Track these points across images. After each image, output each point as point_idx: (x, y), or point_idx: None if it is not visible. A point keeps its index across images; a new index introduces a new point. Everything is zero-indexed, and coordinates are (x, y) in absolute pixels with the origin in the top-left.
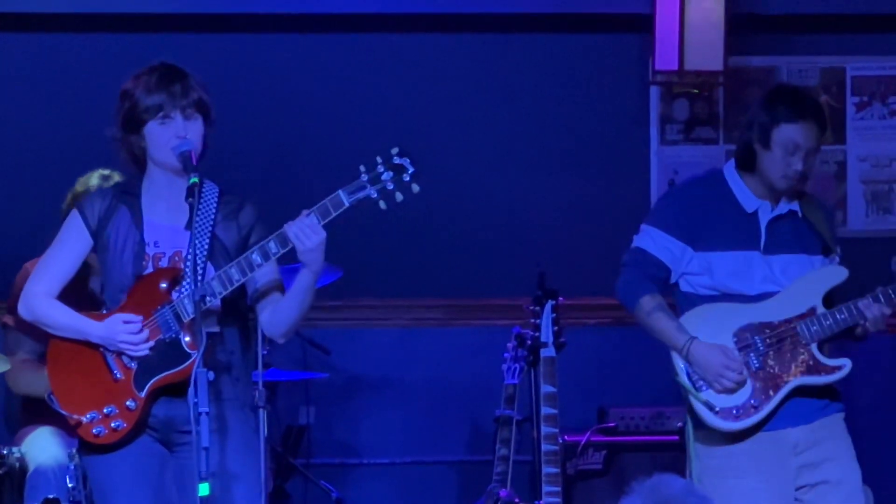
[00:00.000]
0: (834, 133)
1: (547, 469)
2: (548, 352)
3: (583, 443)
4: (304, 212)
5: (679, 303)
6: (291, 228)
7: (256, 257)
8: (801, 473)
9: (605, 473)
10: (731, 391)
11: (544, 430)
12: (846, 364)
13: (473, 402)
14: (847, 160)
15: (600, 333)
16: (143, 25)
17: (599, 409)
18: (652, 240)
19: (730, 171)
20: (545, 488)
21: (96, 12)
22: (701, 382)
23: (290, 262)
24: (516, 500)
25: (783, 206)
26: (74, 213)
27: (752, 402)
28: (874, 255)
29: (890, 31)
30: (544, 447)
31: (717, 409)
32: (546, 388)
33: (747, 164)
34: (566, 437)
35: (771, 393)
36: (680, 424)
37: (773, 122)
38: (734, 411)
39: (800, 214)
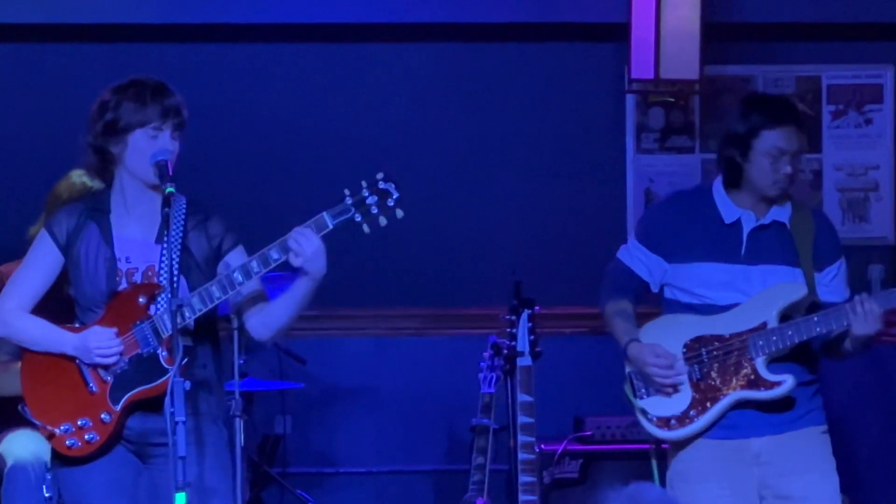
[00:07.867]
0: (810, 142)
1: (523, 478)
2: (524, 361)
3: (559, 451)
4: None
5: (663, 310)
6: (289, 241)
7: (238, 276)
8: (766, 482)
9: (582, 482)
10: (665, 391)
11: (521, 438)
12: (787, 380)
13: (450, 411)
14: (823, 169)
15: (577, 342)
16: (124, 36)
17: (576, 417)
18: (628, 251)
19: (717, 186)
20: (522, 497)
21: (76, 23)
22: (642, 391)
23: (285, 269)
24: None
25: (769, 217)
26: (43, 232)
27: (690, 412)
28: (850, 264)
29: (865, 40)
30: (521, 456)
31: (652, 417)
32: (522, 397)
33: (733, 180)
34: (543, 445)
35: (708, 405)
36: None
37: (752, 131)
38: (671, 421)
39: (787, 226)
